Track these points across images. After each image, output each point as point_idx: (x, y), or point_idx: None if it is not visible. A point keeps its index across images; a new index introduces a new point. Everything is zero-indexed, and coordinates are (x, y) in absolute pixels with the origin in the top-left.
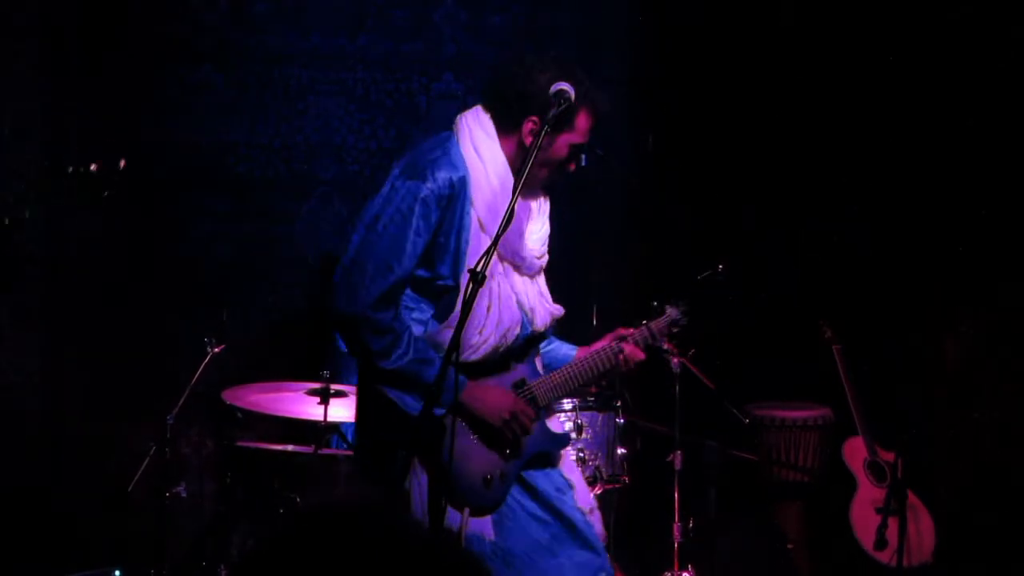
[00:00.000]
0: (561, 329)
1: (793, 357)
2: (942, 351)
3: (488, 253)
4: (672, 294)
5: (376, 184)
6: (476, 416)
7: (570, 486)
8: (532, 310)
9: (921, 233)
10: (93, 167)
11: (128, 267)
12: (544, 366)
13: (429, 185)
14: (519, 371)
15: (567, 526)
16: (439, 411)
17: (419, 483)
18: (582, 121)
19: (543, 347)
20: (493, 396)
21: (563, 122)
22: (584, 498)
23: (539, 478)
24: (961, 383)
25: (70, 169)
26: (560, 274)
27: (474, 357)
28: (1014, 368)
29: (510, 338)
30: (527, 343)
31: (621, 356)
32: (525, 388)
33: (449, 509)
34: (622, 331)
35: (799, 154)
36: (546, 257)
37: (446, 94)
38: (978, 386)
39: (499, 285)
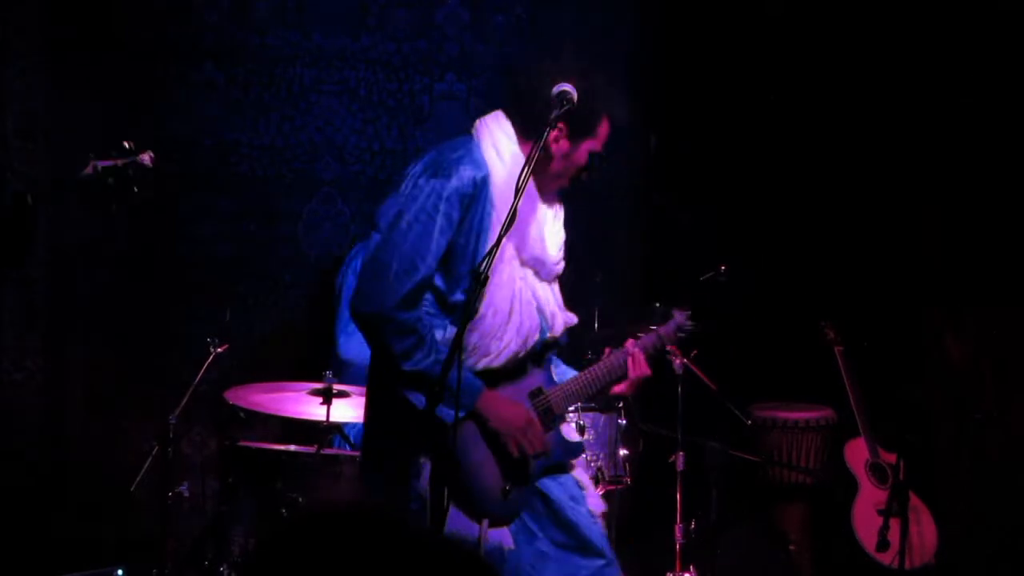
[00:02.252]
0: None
1: (795, 358)
2: (944, 352)
3: (491, 254)
4: (676, 298)
5: (378, 183)
6: (489, 427)
7: (582, 490)
8: (552, 315)
9: (922, 233)
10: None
11: (130, 266)
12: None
13: (454, 183)
14: (536, 378)
15: (579, 538)
16: (455, 415)
17: (423, 462)
18: (604, 129)
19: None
20: (507, 409)
21: (587, 129)
22: (595, 503)
23: (553, 487)
24: (963, 384)
25: (99, 166)
26: (561, 276)
27: (496, 363)
28: (1015, 369)
29: (530, 344)
30: (543, 349)
31: (629, 359)
32: (542, 397)
33: (465, 519)
34: (633, 341)
35: (800, 154)
36: (563, 263)
37: (448, 94)
38: (980, 387)
39: (521, 290)
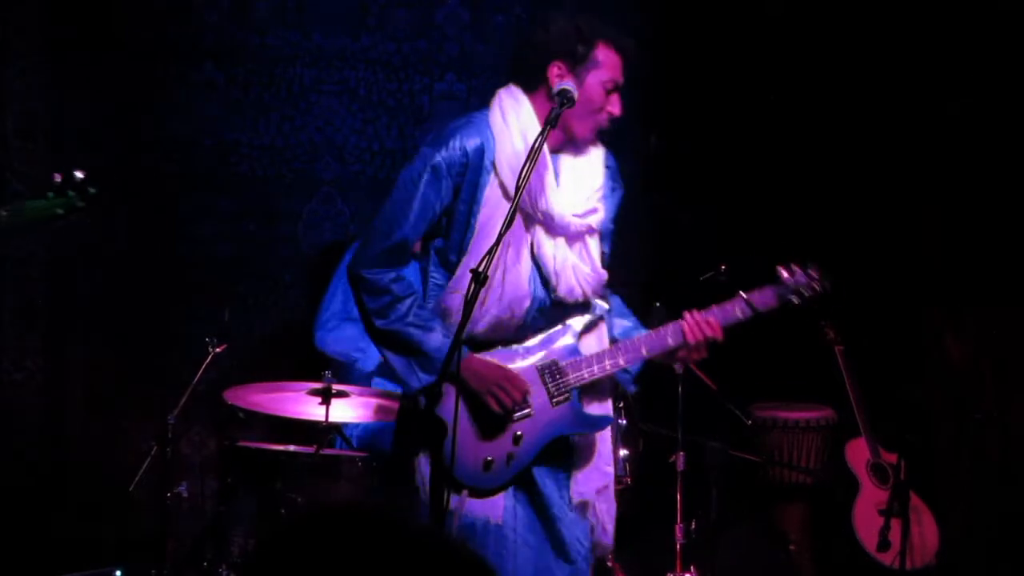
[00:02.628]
0: None
1: (795, 358)
2: (944, 352)
3: (490, 253)
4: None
5: (378, 183)
6: (470, 390)
7: (571, 500)
8: (556, 275)
9: (922, 233)
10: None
11: (130, 266)
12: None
13: (442, 153)
14: (551, 349)
15: (556, 537)
16: (428, 379)
17: (421, 459)
18: (603, 54)
19: (617, 326)
20: (483, 367)
21: (583, 57)
22: (604, 511)
23: (547, 481)
24: (963, 384)
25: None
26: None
27: (478, 329)
28: (1016, 369)
29: (520, 312)
30: (556, 313)
31: (685, 326)
32: (555, 368)
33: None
34: (694, 314)
35: (800, 154)
36: (592, 219)
37: (448, 94)
38: (980, 387)
39: (512, 252)
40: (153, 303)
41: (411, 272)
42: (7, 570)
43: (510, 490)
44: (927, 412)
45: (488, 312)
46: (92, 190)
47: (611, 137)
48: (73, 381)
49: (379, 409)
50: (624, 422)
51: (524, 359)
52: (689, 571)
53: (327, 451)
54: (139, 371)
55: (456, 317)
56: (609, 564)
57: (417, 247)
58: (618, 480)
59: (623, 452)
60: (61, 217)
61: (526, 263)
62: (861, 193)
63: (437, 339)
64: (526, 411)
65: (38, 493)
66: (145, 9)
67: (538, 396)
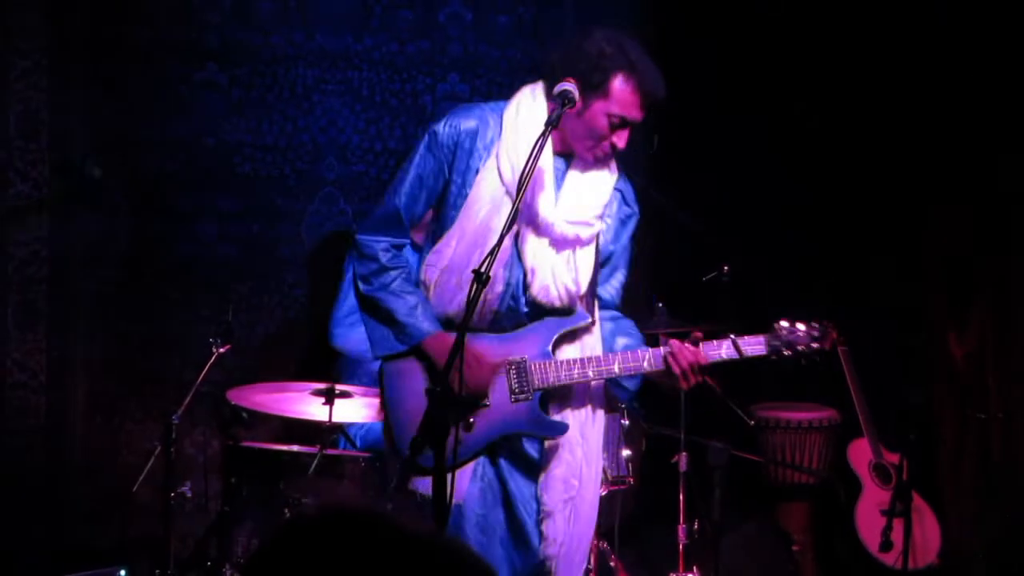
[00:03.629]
0: None
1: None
2: (947, 352)
3: (492, 254)
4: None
5: (380, 184)
6: (436, 365)
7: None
8: (532, 272)
9: (925, 232)
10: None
11: (133, 267)
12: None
13: (438, 127)
14: (525, 347)
15: (520, 535)
16: (398, 347)
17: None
18: (617, 87)
19: (618, 344)
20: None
21: (594, 86)
22: (552, 529)
23: (510, 476)
24: (966, 384)
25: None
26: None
27: (450, 310)
28: (1019, 369)
29: (491, 295)
30: (536, 313)
31: (669, 356)
32: (522, 366)
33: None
34: (675, 343)
35: (803, 152)
36: (582, 230)
37: (451, 95)
38: (983, 387)
39: (492, 240)
40: (156, 303)
41: (409, 254)
42: (11, 570)
43: (483, 476)
44: (930, 412)
45: (462, 292)
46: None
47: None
48: (76, 381)
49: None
50: (627, 422)
51: (496, 350)
52: (692, 571)
53: (330, 451)
54: (142, 371)
55: (432, 292)
56: (611, 564)
57: (419, 237)
58: (621, 480)
59: (626, 452)
60: None
61: (506, 250)
62: (865, 191)
63: (411, 310)
64: (484, 401)
65: (42, 493)
66: (147, 9)
67: (500, 390)
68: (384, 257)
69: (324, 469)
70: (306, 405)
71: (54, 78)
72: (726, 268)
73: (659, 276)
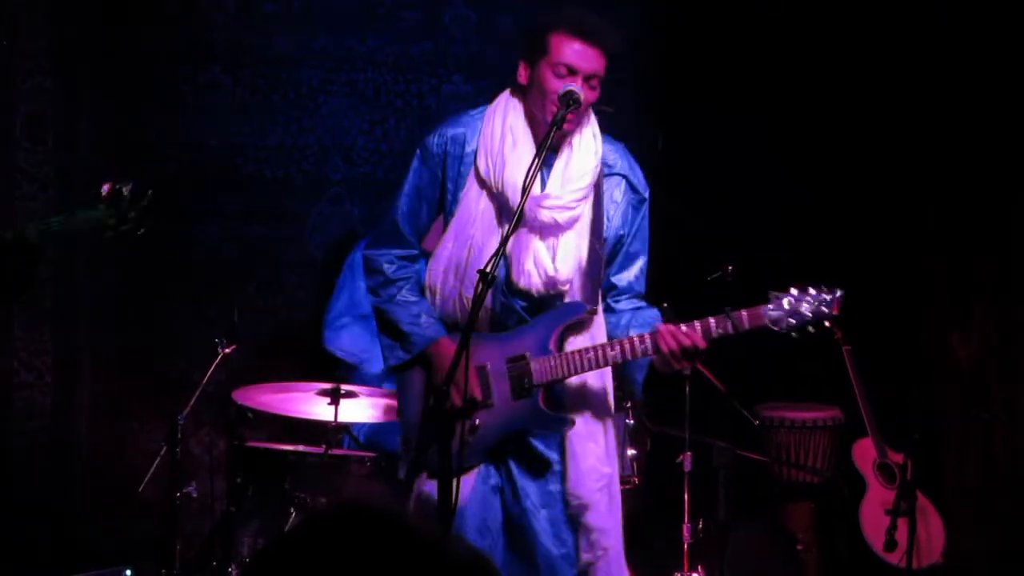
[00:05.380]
0: None
1: (802, 358)
2: (951, 352)
3: (497, 254)
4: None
5: (386, 185)
6: (437, 373)
7: (584, 507)
8: (513, 258)
9: (929, 231)
10: (126, 190)
11: (138, 267)
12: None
13: (428, 139)
14: (524, 344)
15: (525, 547)
16: (404, 356)
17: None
18: (555, 41)
19: (627, 326)
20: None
21: (536, 50)
22: (598, 519)
23: (529, 484)
24: (970, 384)
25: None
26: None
27: (449, 307)
28: (1022, 369)
29: (478, 291)
30: (533, 308)
31: (659, 339)
32: (521, 362)
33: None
34: (670, 327)
35: (806, 153)
36: (559, 214)
37: (456, 95)
38: (987, 387)
39: (482, 240)
40: (162, 304)
41: (414, 254)
42: (18, 570)
43: (485, 480)
44: (934, 412)
45: (458, 289)
46: (144, 202)
47: (621, 138)
48: (82, 382)
49: (388, 409)
50: (631, 422)
51: (495, 348)
52: (696, 571)
53: (336, 451)
54: (148, 372)
55: (433, 297)
56: None
57: (429, 244)
58: (626, 480)
59: (631, 452)
60: (112, 228)
61: (494, 242)
62: (868, 191)
63: (414, 319)
64: (489, 401)
65: (48, 493)
66: (153, 11)
67: (501, 388)
68: (389, 269)
69: (329, 469)
70: (311, 405)
71: (59, 80)
72: (730, 268)
73: (662, 277)
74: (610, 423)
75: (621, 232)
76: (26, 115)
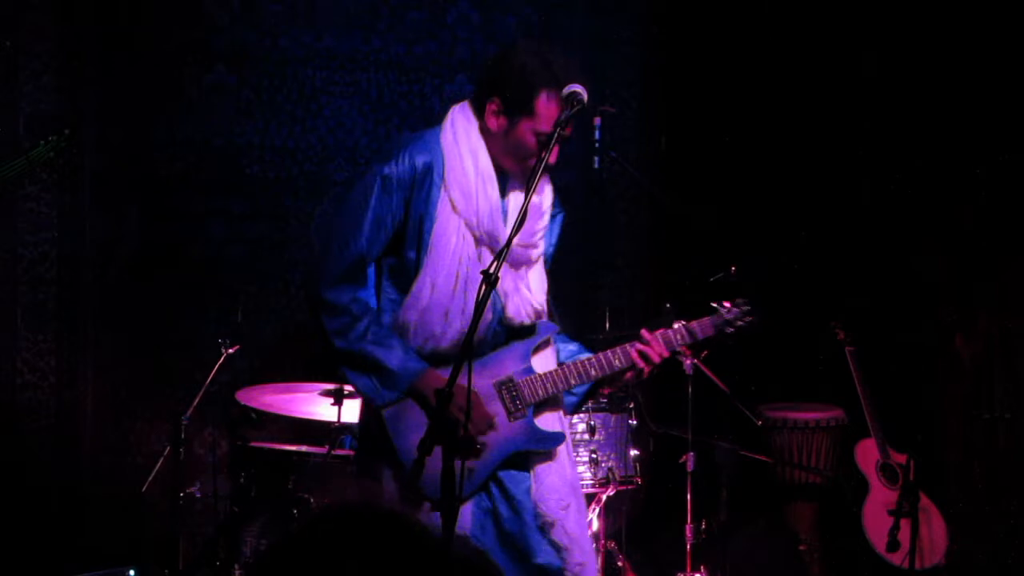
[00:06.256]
0: (574, 331)
1: (805, 359)
2: (954, 352)
3: (500, 256)
4: (687, 299)
5: None
6: (429, 407)
7: (564, 510)
8: (505, 295)
9: (932, 232)
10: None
11: (142, 268)
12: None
13: (391, 166)
14: (506, 366)
15: (521, 549)
16: (390, 395)
17: (388, 473)
18: (543, 106)
19: (563, 350)
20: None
21: (519, 105)
22: (573, 523)
23: (512, 484)
24: (973, 384)
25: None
26: (570, 275)
27: (443, 345)
28: None
29: (481, 326)
30: (509, 334)
31: (635, 352)
32: (511, 385)
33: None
34: (645, 334)
35: (812, 154)
36: (533, 251)
37: (459, 96)
38: (990, 387)
39: (468, 269)
40: (165, 304)
41: (368, 291)
42: (22, 570)
43: (479, 504)
44: (937, 413)
45: (451, 326)
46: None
47: (624, 138)
48: (86, 382)
49: None
50: (635, 423)
51: (480, 374)
52: (699, 571)
53: (339, 451)
54: (152, 372)
55: (414, 332)
56: (619, 564)
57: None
58: (629, 480)
59: (633, 452)
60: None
61: (476, 275)
62: (872, 193)
63: (398, 356)
64: (493, 426)
65: (52, 493)
66: (157, 11)
67: (495, 411)
68: (354, 308)
69: (333, 469)
70: (315, 406)
71: (63, 80)
72: (733, 269)
73: (666, 278)
74: (568, 437)
75: (550, 250)
76: (29, 115)
